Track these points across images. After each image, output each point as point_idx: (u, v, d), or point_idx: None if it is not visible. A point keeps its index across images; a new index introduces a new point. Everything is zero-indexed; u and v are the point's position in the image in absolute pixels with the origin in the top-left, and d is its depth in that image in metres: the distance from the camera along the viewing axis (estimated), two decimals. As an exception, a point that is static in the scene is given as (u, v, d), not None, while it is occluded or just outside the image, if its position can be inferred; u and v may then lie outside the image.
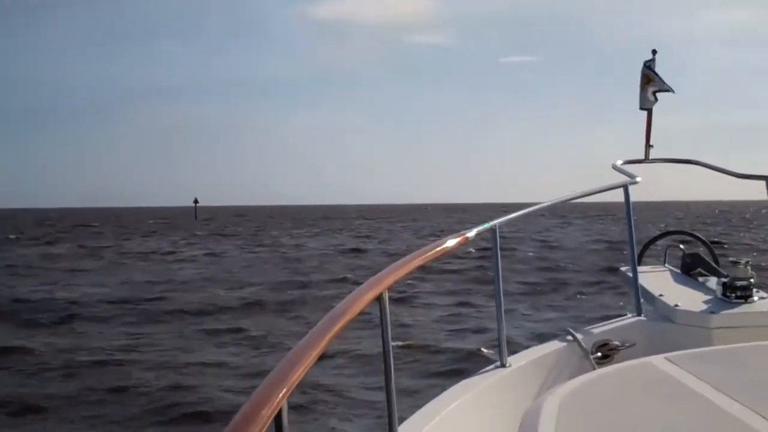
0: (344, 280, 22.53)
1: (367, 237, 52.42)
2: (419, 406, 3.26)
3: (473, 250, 26.89)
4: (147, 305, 17.76)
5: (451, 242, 3.45)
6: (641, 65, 5.59)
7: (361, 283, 2.45)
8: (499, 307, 3.91)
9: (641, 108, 5.61)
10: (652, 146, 5.65)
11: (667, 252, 6.06)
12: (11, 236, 54.45)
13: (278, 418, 1.61)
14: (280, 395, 1.60)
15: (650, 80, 5.53)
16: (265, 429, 1.48)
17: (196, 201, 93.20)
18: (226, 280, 23.59)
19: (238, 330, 14.31)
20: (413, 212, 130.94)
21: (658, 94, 5.58)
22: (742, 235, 44.43)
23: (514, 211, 4.46)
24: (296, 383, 1.72)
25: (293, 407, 1.68)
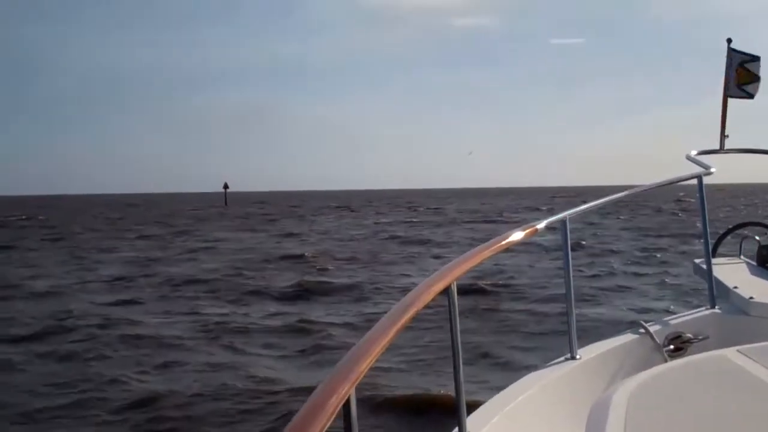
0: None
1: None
2: (489, 397, 3.27)
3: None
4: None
5: (520, 234, 3.44)
6: (726, 48, 5.51)
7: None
8: (569, 299, 3.89)
9: (747, 96, 5.53)
10: (727, 136, 5.53)
11: (743, 243, 5.92)
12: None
13: (347, 408, 1.64)
14: (348, 385, 1.63)
15: (756, 79, 5.46)
16: (333, 418, 1.51)
17: (226, 186, 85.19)
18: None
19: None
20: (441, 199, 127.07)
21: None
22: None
23: (584, 203, 4.41)
24: (364, 373, 1.75)
25: (361, 398, 1.71)
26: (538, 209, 64.41)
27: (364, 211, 76.00)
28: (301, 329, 13.64)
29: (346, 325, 14.02)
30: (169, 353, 11.80)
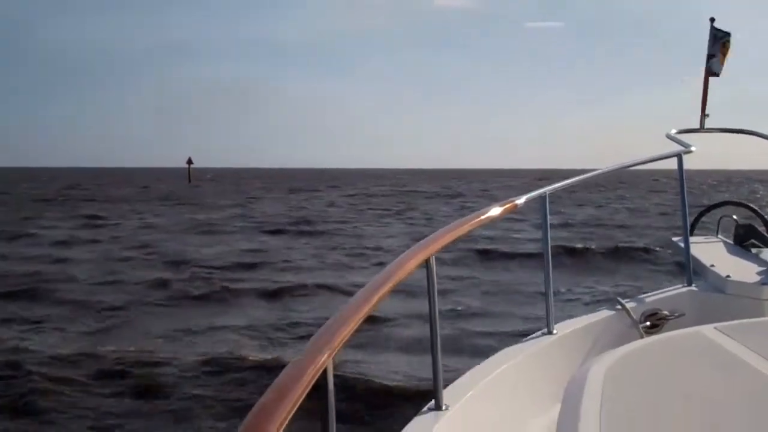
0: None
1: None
2: (465, 371, 3.27)
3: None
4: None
5: (499, 209, 3.43)
6: (711, 31, 5.51)
7: None
8: (547, 275, 3.90)
9: (717, 74, 5.54)
10: (707, 115, 5.54)
11: (720, 223, 5.95)
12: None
13: (324, 377, 1.63)
14: (326, 355, 1.62)
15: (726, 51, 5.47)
16: (309, 387, 1.50)
17: (189, 161, 79.03)
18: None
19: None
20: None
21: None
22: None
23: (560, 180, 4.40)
24: (342, 344, 1.74)
25: (337, 369, 1.70)
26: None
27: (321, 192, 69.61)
28: None
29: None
30: None
